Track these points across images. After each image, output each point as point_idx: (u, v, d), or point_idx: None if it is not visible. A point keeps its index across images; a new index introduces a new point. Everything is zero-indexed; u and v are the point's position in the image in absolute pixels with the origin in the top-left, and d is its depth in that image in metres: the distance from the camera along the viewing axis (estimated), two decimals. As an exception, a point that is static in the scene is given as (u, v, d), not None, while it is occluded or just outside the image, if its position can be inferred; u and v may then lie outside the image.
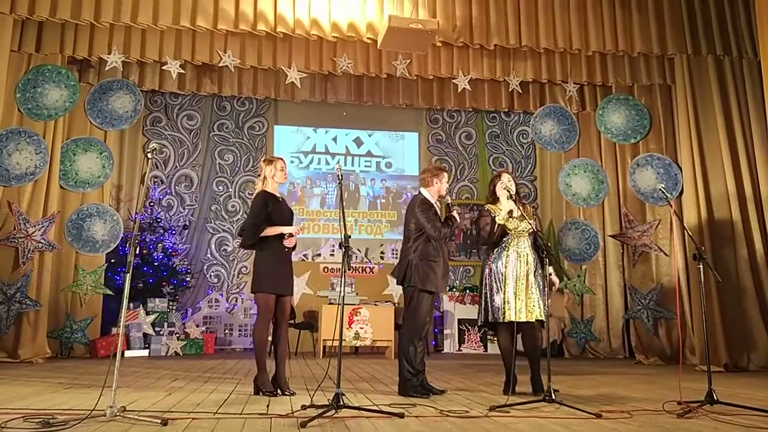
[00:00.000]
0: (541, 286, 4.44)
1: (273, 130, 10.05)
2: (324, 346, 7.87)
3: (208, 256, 9.47)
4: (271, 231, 4.34)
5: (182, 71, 7.53)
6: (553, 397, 3.79)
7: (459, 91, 8.06)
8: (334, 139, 10.28)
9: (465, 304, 9.07)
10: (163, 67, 7.50)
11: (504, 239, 4.56)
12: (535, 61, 7.81)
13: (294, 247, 4.52)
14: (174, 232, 9.17)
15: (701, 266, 4.12)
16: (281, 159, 4.60)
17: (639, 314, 7.81)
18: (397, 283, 4.63)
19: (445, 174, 4.70)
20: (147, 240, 8.62)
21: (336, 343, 3.87)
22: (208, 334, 8.54)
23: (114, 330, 7.73)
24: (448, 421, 3.31)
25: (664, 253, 7.84)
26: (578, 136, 8.53)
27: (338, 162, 9.94)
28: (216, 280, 9.42)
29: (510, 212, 4.52)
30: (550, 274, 4.41)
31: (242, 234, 4.43)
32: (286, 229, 4.37)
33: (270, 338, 4.47)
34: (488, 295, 4.52)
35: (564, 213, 8.55)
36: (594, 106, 8.43)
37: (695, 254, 4.14)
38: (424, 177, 4.72)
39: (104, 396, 3.35)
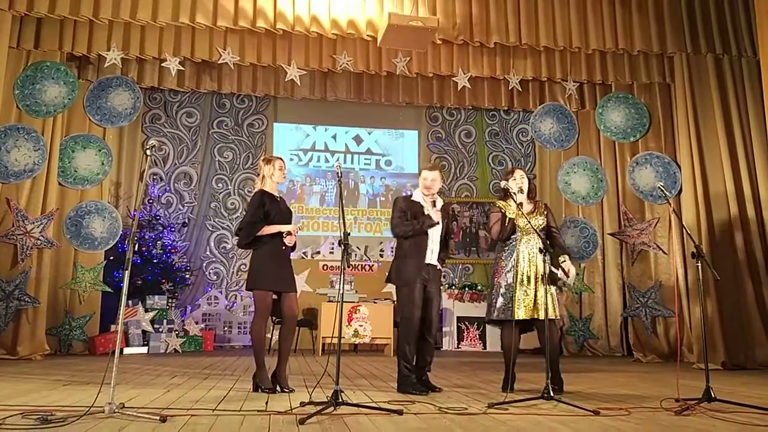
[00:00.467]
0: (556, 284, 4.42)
1: (272, 127, 10.04)
2: (323, 344, 7.88)
3: (207, 253, 9.47)
4: (268, 230, 4.33)
5: (181, 68, 7.53)
6: (552, 394, 3.80)
7: (459, 89, 8.06)
8: (334, 137, 10.27)
9: (464, 301, 9.07)
10: (162, 64, 7.50)
11: (513, 236, 4.54)
12: (534, 59, 7.81)
13: (294, 246, 4.51)
14: (173, 229, 9.17)
15: (699, 264, 4.13)
16: (280, 158, 4.59)
17: (637, 312, 7.82)
18: (385, 281, 4.74)
19: (424, 172, 4.67)
20: (146, 237, 8.62)
21: (335, 341, 3.88)
22: (207, 332, 8.54)
23: (113, 327, 7.74)
24: (446, 418, 3.31)
25: (663, 252, 7.85)
26: (578, 135, 8.54)
27: (338, 160, 9.93)
28: (215, 277, 9.42)
29: (519, 206, 4.49)
30: (563, 262, 4.41)
31: (239, 233, 4.43)
32: (283, 228, 4.35)
33: (269, 335, 4.48)
34: (497, 292, 4.53)
35: (563, 211, 8.55)
36: (593, 104, 8.44)
37: (694, 252, 4.14)
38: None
39: (103, 393, 3.35)
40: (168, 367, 6.00)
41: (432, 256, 4.54)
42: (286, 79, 7.70)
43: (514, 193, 4.56)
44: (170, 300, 8.38)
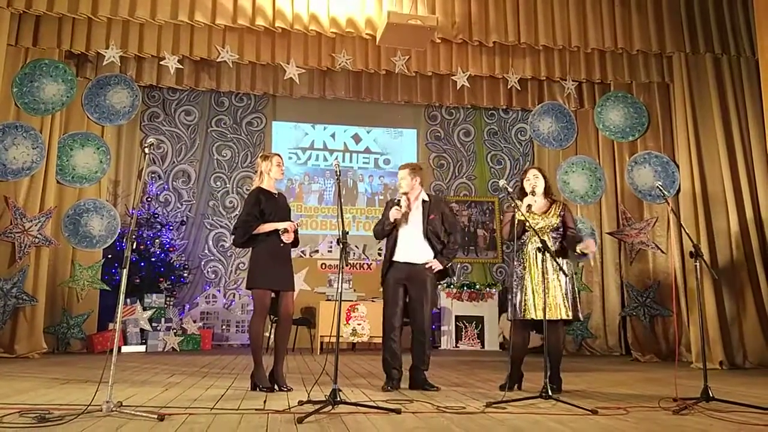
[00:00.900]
0: (565, 283, 4.38)
1: (271, 126, 10.04)
2: (321, 343, 7.88)
3: (206, 251, 9.46)
4: (264, 228, 4.32)
5: (180, 66, 7.51)
6: (550, 393, 3.80)
7: (458, 87, 8.06)
8: (333, 136, 10.27)
9: (462, 300, 9.08)
10: (160, 62, 7.49)
11: (524, 235, 4.53)
12: (533, 58, 7.81)
13: (295, 243, 4.48)
14: (171, 227, 9.16)
15: (698, 264, 4.13)
16: (278, 155, 4.57)
17: (636, 311, 7.82)
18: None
19: (400, 171, 4.72)
20: (144, 236, 8.61)
21: (333, 340, 3.88)
22: (205, 330, 8.54)
23: (111, 325, 7.73)
24: (444, 417, 3.31)
25: (661, 251, 7.86)
26: (576, 134, 8.54)
27: (336, 158, 9.93)
28: (213, 276, 9.41)
29: (528, 207, 4.47)
30: (579, 242, 4.39)
31: (235, 232, 4.42)
32: (279, 225, 4.33)
33: (269, 334, 4.48)
34: (510, 292, 4.53)
35: (561, 210, 8.53)
36: (592, 103, 8.44)
37: (692, 252, 4.14)
38: None
39: (101, 391, 3.35)
40: (166, 365, 5.99)
41: (406, 255, 4.52)
42: (285, 78, 7.70)
43: (516, 198, 4.52)
44: (168, 298, 8.37)
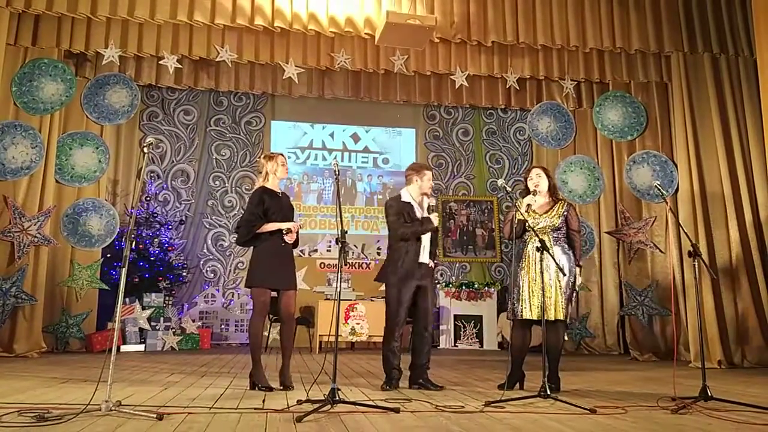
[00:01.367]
0: (564, 284, 4.38)
1: (270, 125, 10.03)
2: (320, 342, 7.88)
3: (205, 251, 9.46)
4: (267, 227, 4.32)
5: (179, 66, 7.51)
6: (548, 392, 3.80)
7: (456, 87, 8.06)
8: (331, 135, 10.27)
9: (461, 300, 9.08)
10: (160, 62, 7.49)
11: (525, 235, 4.52)
12: (532, 57, 7.82)
13: (297, 243, 4.48)
14: (170, 227, 9.15)
15: (696, 263, 4.14)
16: (281, 154, 4.59)
17: (634, 311, 7.83)
18: (376, 280, 4.78)
19: (429, 172, 4.67)
20: (143, 235, 8.60)
21: (332, 339, 3.88)
22: (204, 329, 8.53)
23: (110, 325, 7.73)
24: (443, 416, 3.32)
25: (660, 250, 7.87)
26: (575, 133, 8.55)
27: (335, 158, 9.93)
28: (212, 275, 9.41)
29: (528, 206, 4.47)
30: (574, 269, 4.39)
31: (238, 231, 4.44)
32: (283, 225, 4.34)
33: (267, 333, 4.47)
34: (510, 291, 4.54)
35: (560, 210, 8.53)
36: (591, 103, 8.45)
37: (690, 251, 4.14)
38: (408, 174, 4.73)
39: (99, 390, 3.34)
40: (165, 364, 5.99)
41: (424, 256, 4.56)
42: (284, 77, 7.70)
43: (518, 197, 4.52)
44: (167, 298, 8.37)
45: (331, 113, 10.05)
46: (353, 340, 8.01)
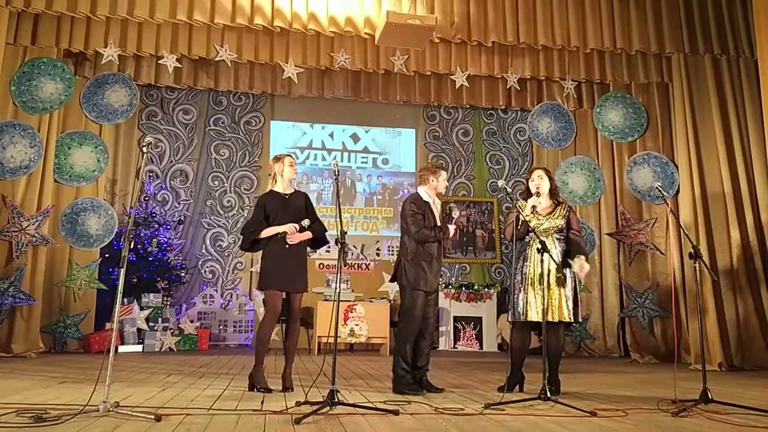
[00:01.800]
0: (569, 286, 4.36)
1: (269, 125, 10.01)
2: (319, 343, 7.85)
3: (203, 251, 9.43)
4: (266, 233, 4.34)
5: (178, 65, 7.49)
6: (548, 395, 3.79)
7: (456, 87, 8.05)
8: (331, 135, 10.25)
9: (460, 301, 9.05)
10: (159, 61, 7.47)
11: (528, 236, 4.50)
12: (532, 58, 7.80)
13: (314, 243, 4.46)
14: (169, 227, 9.13)
15: (697, 265, 4.12)
16: (289, 155, 4.61)
17: (634, 313, 7.82)
18: (390, 281, 4.67)
19: (444, 172, 4.68)
20: (141, 235, 8.58)
21: (331, 340, 3.86)
22: (203, 330, 8.51)
23: (108, 325, 7.71)
24: (442, 419, 3.30)
25: (660, 252, 7.86)
26: (575, 134, 8.53)
27: (335, 158, 9.91)
28: (210, 275, 9.39)
29: (533, 208, 4.44)
30: (576, 259, 4.36)
31: (241, 238, 4.52)
32: (278, 229, 4.32)
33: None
34: (513, 293, 4.52)
35: (560, 211, 8.52)
36: (591, 103, 8.43)
37: (691, 253, 4.13)
38: (422, 174, 4.71)
39: (97, 391, 3.33)
40: (163, 365, 5.97)
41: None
42: (284, 77, 7.68)
43: (522, 198, 4.50)
44: (165, 298, 8.35)
45: (330, 113, 10.03)
46: (352, 342, 7.99)
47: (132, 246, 7.98)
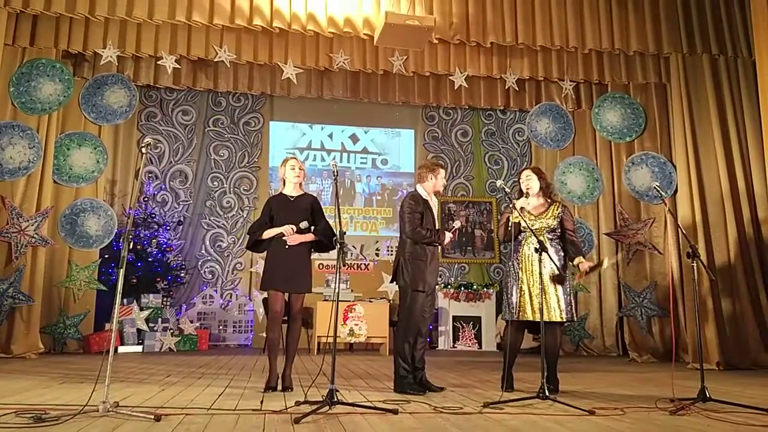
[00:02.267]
0: (564, 286, 4.37)
1: (268, 125, 10.01)
2: (318, 343, 7.87)
3: (203, 252, 9.44)
4: (267, 234, 4.38)
5: (177, 66, 7.50)
6: (547, 394, 3.80)
7: (455, 88, 8.06)
8: (330, 136, 10.26)
9: (459, 301, 9.07)
10: (158, 62, 7.48)
11: (520, 236, 4.51)
12: (531, 58, 7.82)
13: (318, 246, 4.42)
14: (168, 227, 9.14)
15: (695, 264, 4.13)
16: (293, 157, 4.65)
17: (633, 312, 7.83)
18: (391, 281, 4.66)
19: (442, 170, 4.68)
20: (141, 235, 8.58)
21: (330, 340, 3.87)
22: (202, 330, 8.51)
23: (107, 326, 7.71)
24: (441, 418, 3.31)
25: (658, 252, 7.87)
26: (574, 134, 8.55)
27: (334, 158, 9.93)
28: (210, 276, 9.39)
29: (522, 209, 4.46)
30: (579, 263, 4.37)
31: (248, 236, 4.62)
32: (275, 231, 4.34)
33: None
34: (506, 293, 4.54)
35: (559, 211, 8.54)
36: (590, 104, 8.45)
37: (689, 252, 4.14)
38: (420, 172, 4.71)
39: (97, 391, 3.34)
40: (163, 365, 5.98)
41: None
42: (283, 78, 7.69)
43: (514, 199, 4.50)
44: (165, 299, 8.35)
45: (329, 114, 10.05)
46: (352, 341, 8.00)
47: (131, 246, 7.98)
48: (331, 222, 4.50)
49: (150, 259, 8.49)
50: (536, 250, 4.13)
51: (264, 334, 6.97)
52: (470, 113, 10.46)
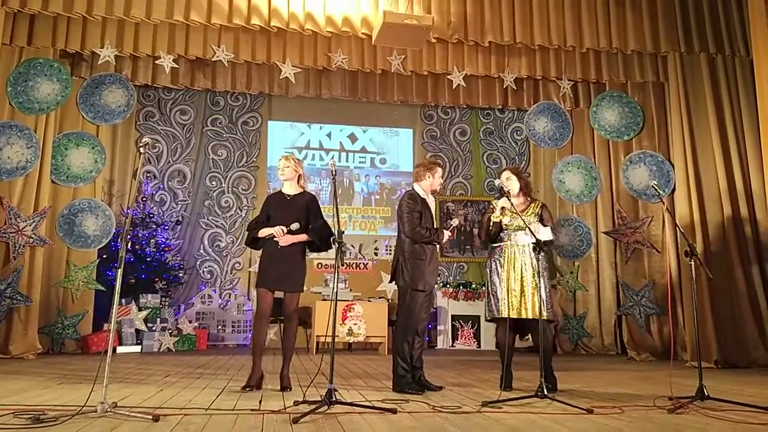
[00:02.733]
0: (545, 283, 4.38)
1: (267, 125, 10.01)
2: (317, 342, 7.87)
3: (201, 251, 9.43)
4: (261, 233, 4.39)
5: (175, 66, 7.50)
6: (545, 393, 3.80)
7: (454, 87, 8.07)
8: (329, 135, 10.25)
9: (458, 300, 9.08)
10: (156, 62, 7.47)
11: (501, 234, 4.55)
12: (529, 57, 7.82)
13: (313, 246, 4.44)
14: (167, 227, 9.13)
15: (693, 263, 4.14)
16: (282, 158, 4.62)
17: (631, 311, 7.84)
18: (390, 281, 4.66)
19: (440, 168, 4.69)
20: (139, 235, 8.57)
21: (329, 339, 3.87)
22: (201, 330, 8.51)
23: (106, 326, 7.70)
24: (440, 417, 3.31)
25: (657, 250, 7.88)
26: (572, 133, 8.56)
27: (332, 158, 9.89)
28: (209, 276, 9.38)
29: (502, 209, 4.50)
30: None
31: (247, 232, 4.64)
32: (266, 232, 4.34)
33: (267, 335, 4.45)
34: (489, 291, 4.55)
35: (557, 210, 8.57)
36: (588, 103, 8.46)
37: (687, 251, 4.15)
38: (417, 171, 4.71)
39: (95, 392, 3.34)
40: (161, 366, 5.97)
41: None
42: (281, 77, 7.69)
43: (498, 198, 4.55)
44: (163, 299, 8.35)
45: (328, 113, 10.04)
46: (350, 341, 7.99)
47: (130, 246, 7.98)
48: (329, 221, 4.49)
49: (148, 259, 8.48)
50: (534, 249, 4.16)
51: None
52: (468, 112, 10.46)
